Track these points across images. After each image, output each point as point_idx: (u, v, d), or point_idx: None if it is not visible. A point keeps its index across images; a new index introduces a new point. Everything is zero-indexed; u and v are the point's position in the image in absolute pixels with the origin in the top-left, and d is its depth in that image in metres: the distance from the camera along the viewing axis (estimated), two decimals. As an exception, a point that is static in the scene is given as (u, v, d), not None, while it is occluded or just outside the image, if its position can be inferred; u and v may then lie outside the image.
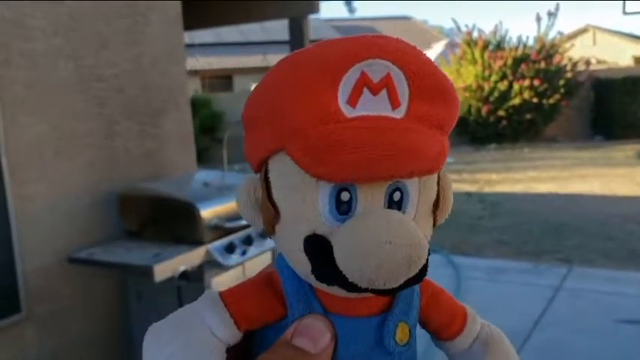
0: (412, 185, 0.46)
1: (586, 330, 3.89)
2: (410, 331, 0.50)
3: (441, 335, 0.55)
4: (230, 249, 2.61)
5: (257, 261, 2.79)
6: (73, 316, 2.74)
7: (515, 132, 16.27)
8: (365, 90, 0.44)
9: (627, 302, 4.37)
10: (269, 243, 2.82)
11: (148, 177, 3.01)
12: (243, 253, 2.67)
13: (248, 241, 2.70)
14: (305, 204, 0.44)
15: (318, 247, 0.44)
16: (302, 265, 0.45)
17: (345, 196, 0.44)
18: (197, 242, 2.56)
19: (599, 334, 3.81)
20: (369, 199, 0.44)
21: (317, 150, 0.42)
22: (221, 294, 0.49)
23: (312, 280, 0.46)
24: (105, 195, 2.82)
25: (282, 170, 0.46)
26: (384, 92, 0.45)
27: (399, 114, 0.45)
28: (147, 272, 2.37)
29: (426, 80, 0.46)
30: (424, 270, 0.45)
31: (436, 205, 0.50)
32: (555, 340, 3.75)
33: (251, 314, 0.48)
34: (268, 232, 0.48)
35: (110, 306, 2.91)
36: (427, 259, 0.45)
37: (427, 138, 0.45)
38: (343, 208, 0.44)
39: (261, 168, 0.48)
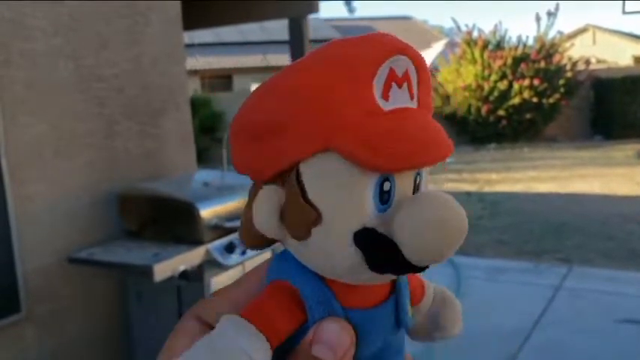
0: (425, 170, 0.49)
1: (586, 330, 3.89)
2: (410, 302, 0.54)
3: (411, 302, 0.57)
4: (230, 249, 2.61)
5: (257, 261, 2.79)
6: (73, 316, 2.75)
7: (515, 132, 16.27)
8: (393, 84, 0.47)
9: (627, 302, 4.37)
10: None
11: (148, 177, 3.01)
12: (243, 252, 2.67)
13: (248, 240, 2.70)
14: (352, 199, 0.45)
15: (372, 239, 0.45)
16: (347, 261, 0.46)
17: (387, 185, 0.45)
18: (197, 242, 2.56)
19: (599, 334, 3.81)
20: (403, 186, 0.46)
21: (373, 142, 0.44)
22: (246, 317, 0.47)
23: (356, 274, 0.46)
24: (105, 195, 2.82)
25: (326, 170, 0.46)
26: (405, 86, 0.48)
27: (414, 104, 0.49)
28: (147, 272, 2.37)
29: (425, 72, 0.50)
30: None
31: None
32: (555, 340, 3.75)
33: (280, 328, 0.47)
34: (301, 236, 0.47)
35: (110, 306, 2.91)
36: None
37: (436, 122, 0.48)
38: (384, 198, 0.45)
39: (283, 175, 0.48)
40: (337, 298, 0.48)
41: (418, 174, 0.48)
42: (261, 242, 0.52)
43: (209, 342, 0.46)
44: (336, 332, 0.46)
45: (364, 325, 0.49)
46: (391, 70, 0.47)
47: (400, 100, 0.47)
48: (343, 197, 0.45)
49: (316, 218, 0.46)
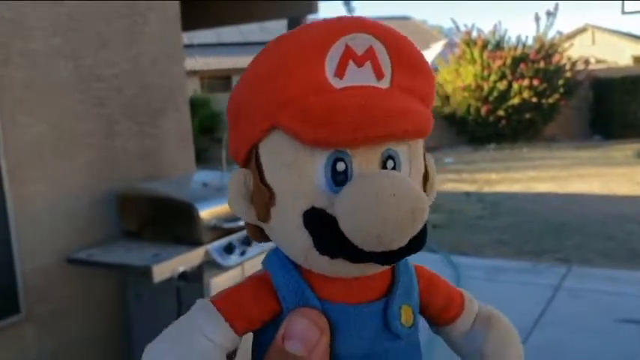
0: (403, 153, 0.47)
1: (586, 330, 3.89)
2: (413, 313, 0.51)
3: (441, 319, 0.55)
4: (229, 249, 2.61)
5: (256, 261, 2.79)
6: (73, 317, 2.74)
7: (515, 132, 16.27)
8: (350, 62, 0.46)
9: (627, 302, 4.37)
10: (268, 244, 2.81)
11: (147, 177, 3.01)
12: (242, 253, 2.67)
13: (247, 241, 2.70)
14: (301, 179, 0.45)
15: (319, 219, 0.44)
16: (300, 244, 0.46)
17: (340, 166, 0.44)
18: (196, 243, 2.55)
19: (599, 334, 3.81)
20: (364, 167, 0.45)
21: (313, 117, 0.43)
22: (213, 301, 0.48)
23: (312, 258, 0.46)
24: (104, 195, 2.82)
25: (275, 149, 0.46)
26: (368, 64, 0.47)
27: (383, 84, 0.47)
28: (146, 273, 2.37)
29: (405, 54, 0.48)
30: (425, 233, 0.46)
31: (425, 179, 0.51)
32: (555, 340, 3.75)
33: (246, 315, 0.48)
34: (263, 217, 0.48)
35: (109, 306, 2.91)
36: (426, 227, 0.46)
37: (414, 104, 0.47)
38: (340, 179, 0.45)
39: (250, 156, 0.49)
40: (313, 289, 0.48)
41: (390, 157, 0.46)
42: (256, 232, 0.52)
43: (174, 324, 0.48)
44: (304, 325, 0.46)
45: (342, 321, 0.48)
46: (347, 48, 0.46)
47: (360, 78, 0.46)
48: (292, 176, 0.45)
49: (270, 198, 0.47)
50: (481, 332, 0.55)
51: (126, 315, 2.90)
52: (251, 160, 0.49)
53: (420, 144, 0.50)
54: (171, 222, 2.65)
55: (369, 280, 0.48)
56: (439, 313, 0.55)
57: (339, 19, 0.47)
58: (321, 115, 0.43)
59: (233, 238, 2.67)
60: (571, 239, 6.37)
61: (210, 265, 2.60)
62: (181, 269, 2.45)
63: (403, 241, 0.43)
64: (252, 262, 2.76)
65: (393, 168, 0.46)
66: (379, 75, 0.47)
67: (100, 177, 2.83)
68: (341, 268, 0.45)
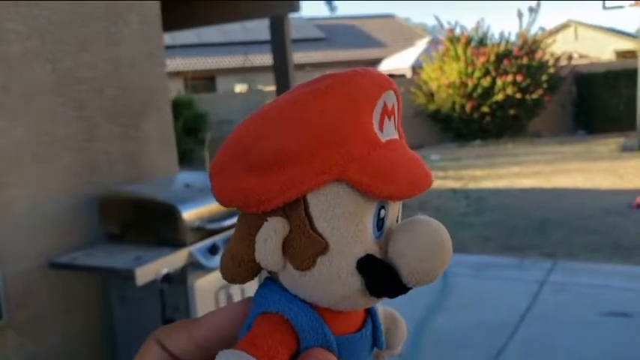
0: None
1: (572, 323, 3.92)
2: None
3: None
4: (213, 250, 2.60)
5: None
6: (56, 322, 2.72)
7: (499, 128, 16.35)
8: (386, 117, 0.50)
9: (612, 295, 4.40)
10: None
11: (129, 180, 2.99)
12: (227, 254, 2.66)
13: (231, 242, 2.68)
14: (358, 228, 0.47)
15: (375, 264, 0.47)
16: (346, 290, 0.47)
17: (382, 213, 0.48)
18: (179, 244, 2.54)
19: (585, 327, 3.83)
20: (393, 213, 0.50)
21: (381, 172, 0.46)
22: (245, 349, 0.47)
23: (351, 301, 0.48)
24: (86, 198, 2.79)
25: (333, 200, 0.47)
26: (393, 118, 0.51)
27: (397, 135, 0.52)
28: (129, 276, 2.35)
29: (400, 103, 0.53)
30: None
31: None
32: (541, 334, 3.77)
33: (279, 358, 0.48)
34: (306, 267, 0.47)
35: (93, 310, 2.89)
36: None
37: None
38: (380, 225, 0.48)
39: (291, 204, 0.47)
40: (328, 325, 0.50)
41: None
42: (247, 276, 0.52)
43: None
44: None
45: (352, 350, 0.51)
46: (385, 104, 0.50)
47: (390, 132, 0.50)
48: (349, 225, 0.47)
49: (324, 248, 0.47)
50: (391, 328, 0.60)
51: (110, 318, 2.88)
52: (293, 208, 0.47)
53: None
54: (154, 224, 2.63)
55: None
56: None
57: (375, 73, 0.51)
58: (386, 172, 0.47)
59: (217, 239, 2.65)
60: (556, 234, 6.41)
61: (194, 266, 2.58)
62: (165, 271, 2.43)
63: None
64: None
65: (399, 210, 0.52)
66: (396, 127, 0.52)
67: (82, 180, 2.80)
68: (367, 303, 0.50)
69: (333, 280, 0.47)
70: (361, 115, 0.48)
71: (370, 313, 0.53)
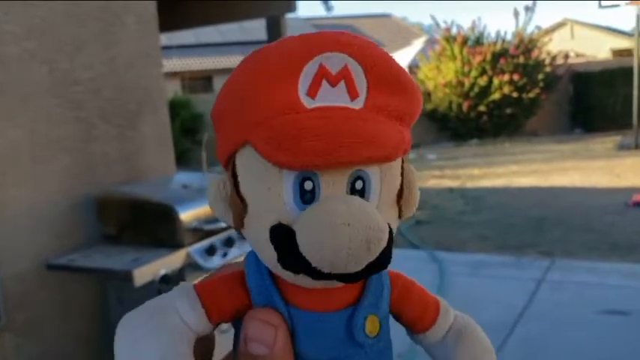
0: (374, 174, 0.47)
1: (569, 321, 3.92)
2: (380, 323, 0.51)
3: (414, 328, 0.56)
4: (211, 251, 2.59)
5: (239, 263, 2.77)
6: (54, 323, 2.71)
7: (496, 127, 16.38)
8: (324, 82, 0.46)
9: (610, 293, 4.41)
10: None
11: (127, 180, 2.99)
12: (224, 255, 2.66)
13: (229, 242, 2.68)
14: (270, 194, 0.46)
15: (282, 236, 0.45)
16: (269, 256, 0.47)
17: (308, 185, 0.45)
18: (177, 245, 2.53)
19: (583, 326, 3.84)
20: (331, 187, 0.45)
21: (278, 139, 0.44)
22: (194, 286, 0.50)
23: (278, 269, 0.47)
24: (83, 199, 2.79)
25: (248, 163, 0.47)
26: (342, 84, 0.46)
27: (357, 104, 0.47)
28: (127, 277, 2.35)
29: (383, 72, 0.48)
30: (387, 256, 0.46)
31: (400, 195, 0.51)
32: (539, 333, 3.77)
33: (221, 306, 0.50)
34: (237, 226, 0.50)
35: (91, 312, 2.88)
36: (390, 246, 0.46)
37: (386, 127, 0.46)
38: (307, 197, 0.45)
39: (229, 163, 0.50)
40: (282, 294, 0.49)
41: (359, 177, 0.46)
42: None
43: (153, 300, 0.50)
44: (257, 326, 0.48)
45: (307, 327, 0.49)
46: (321, 67, 0.46)
47: (333, 98, 0.46)
48: (262, 190, 0.46)
49: (242, 209, 0.48)
50: (452, 344, 0.56)
51: (107, 320, 2.88)
52: (229, 168, 0.50)
53: (394, 162, 0.49)
54: (152, 225, 2.62)
55: (337, 289, 0.49)
56: (413, 322, 0.56)
57: (316, 35, 0.47)
58: (286, 138, 0.43)
59: (214, 239, 2.65)
60: (553, 232, 6.41)
61: (191, 267, 2.58)
62: (162, 272, 2.43)
63: (358, 267, 0.44)
64: (235, 263, 2.74)
65: (362, 188, 0.47)
66: (353, 95, 0.47)
67: (79, 181, 2.80)
68: (304, 281, 0.46)
69: (257, 243, 0.48)
70: (278, 78, 0.45)
71: (359, 301, 0.50)
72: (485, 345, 0.57)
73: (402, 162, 0.51)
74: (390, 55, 0.49)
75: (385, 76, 0.48)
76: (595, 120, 16.17)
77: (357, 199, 0.45)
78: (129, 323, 0.49)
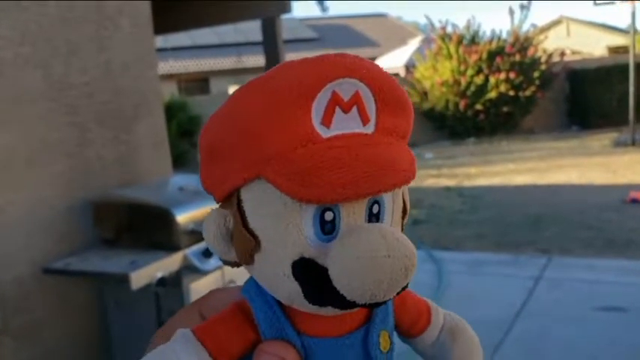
0: (387, 196, 0.47)
1: (567, 318, 3.93)
2: (389, 337, 0.51)
3: (410, 332, 0.56)
4: (207, 253, 2.60)
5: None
6: (51, 327, 2.71)
7: (493, 125, 16.36)
8: (337, 109, 0.45)
9: (607, 290, 4.42)
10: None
11: (123, 184, 2.99)
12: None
13: (225, 244, 2.68)
14: (288, 229, 0.44)
15: (309, 271, 0.44)
16: (287, 291, 0.45)
17: (328, 215, 0.44)
18: (174, 248, 2.54)
19: (580, 322, 3.85)
20: (352, 215, 0.45)
21: (301, 173, 0.42)
22: (194, 332, 0.48)
23: (300, 303, 0.45)
24: (79, 203, 2.79)
25: (260, 198, 0.45)
26: (354, 109, 0.46)
27: (369, 129, 0.46)
28: (124, 280, 2.35)
29: (389, 94, 0.47)
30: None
31: (404, 211, 0.51)
32: (537, 330, 3.78)
33: (228, 348, 0.48)
34: (245, 262, 0.48)
35: (88, 315, 2.88)
36: None
37: (398, 149, 0.46)
38: (327, 228, 0.44)
39: (230, 199, 0.48)
40: (293, 324, 0.48)
41: (376, 202, 0.46)
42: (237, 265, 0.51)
43: (156, 351, 0.47)
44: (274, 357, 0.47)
45: (323, 354, 0.48)
46: (334, 94, 0.45)
47: (346, 125, 0.45)
48: (279, 227, 0.44)
49: (254, 246, 0.46)
50: (446, 343, 0.57)
51: (105, 323, 2.88)
52: (231, 202, 0.47)
53: None
54: (148, 228, 2.63)
55: (350, 313, 0.48)
56: (409, 328, 0.56)
57: (325, 60, 0.45)
58: (307, 173, 0.42)
59: (211, 241, 2.65)
60: (550, 230, 6.42)
61: (188, 270, 2.59)
62: (159, 275, 2.44)
63: (394, 295, 0.44)
64: (231, 265, 2.74)
65: (378, 212, 0.46)
66: (365, 120, 0.46)
67: (75, 185, 2.80)
68: (327, 311, 0.45)
69: (276, 279, 0.46)
70: (290, 109, 0.44)
71: (369, 320, 0.50)
72: (475, 339, 0.59)
73: None
74: (391, 76, 0.48)
75: (391, 98, 0.48)
76: (591, 117, 16.16)
77: (387, 227, 0.44)
78: None
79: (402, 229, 0.51)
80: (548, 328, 3.78)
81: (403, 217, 0.51)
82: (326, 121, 0.45)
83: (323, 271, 0.43)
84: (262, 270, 0.47)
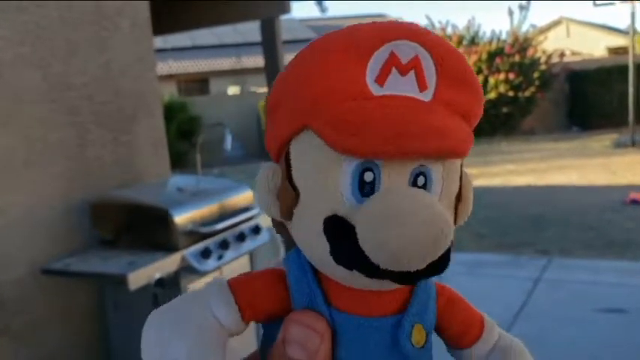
0: (436, 172, 0.46)
1: (567, 320, 3.93)
2: (426, 334, 0.49)
3: (457, 342, 0.54)
4: (206, 254, 2.59)
5: (234, 265, 2.77)
6: (50, 328, 2.71)
7: (493, 126, 16.36)
8: (393, 70, 0.44)
9: (607, 291, 4.41)
10: (246, 247, 2.80)
11: (122, 184, 2.98)
12: (220, 257, 2.66)
13: (224, 245, 2.68)
14: (327, 183, 0.44)
15: (338, 227, 0.43)
16: (319, 250, 0.44)
17: (368, 176, 0.43)
18: (172, 248, 2.53)
19: (580, 324, 3.84)
20: (393, 180, 0.43)
21: (345, 124, 0.42)
22: (228, 280, 0.48)
23: (329, 265, 0.44)
24: (78, 204, 2.78)
25: (305, 149, 0.45)
26: (412, 73, 0.45)
27: (426, 97, 0.45)
28: (122, 281, 2.34)
29: (453, 66, 0.46)
30: (447, 259, 0.44)
31: (458, 199, 0.50)
32: (537, 331, 3.77)
33: (256, 303, 0.47)
34: (285, 217, 0.47)
35: (87, 316, 2.88)
36: (450, 251, 0.44)
37: (454, 122, 0.45)
38: (366, 190, 0.43)
39: (282, 153, 0.48)
40: (326, 296, 0.47)
41: (421, 173, 0.45)
42: (283, 228, 0.51)
43: (188, 294, 0.48)
44: (303, 331, 0.46)
45: (349, 331, 0.47)
46: (392, 55, 0.44)
47: (402, 88, 0.45)
48: (318, 179, 0.44)
49: (293, 198, 0.46)
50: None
51: (104, 324, 2.87)
52: (282, 156, 0.48)
53: (456, 163, 0.48)
54: (147, 228, 2.62)
55: (384, 294, 0.47)
56: (456, 336, 0.54)
57: (387, 23, 0.45)
58: (353, 123, 0.42)
59: (209, 242, 2.65)
60: (550, 231, 6.42)
61: (187, 270, 2.58)
62: (158, 276, 2.43)
63: (421, 265, 0.42)
64: (230, 266, 2.75)
65: (424, 185, 0.45)
66: (422, 86, 0.45)
67: (74, 186, 2.80)
68: (356, 280, 0.44)
69: (307, 236, 0.46)
70: (345, 65, 0.43)
71: (406, 309, 0.48)
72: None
73: (461, 167, 0.50)
74: (461, 52, 0.47)
75: (455, 72, 0.46)
76: (592, 118, 16.18)
77: (421, 191, 0.43)
78: (157, 321, 0.46)
79: (455, 223, 0.50)
80: (547, 330, 3.78)
81: (457, 206, 0.50)
82: (380, 80, 0.44)
83: (352, 230, 0.42)
84: (299, 227, 0.46)
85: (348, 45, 0.44)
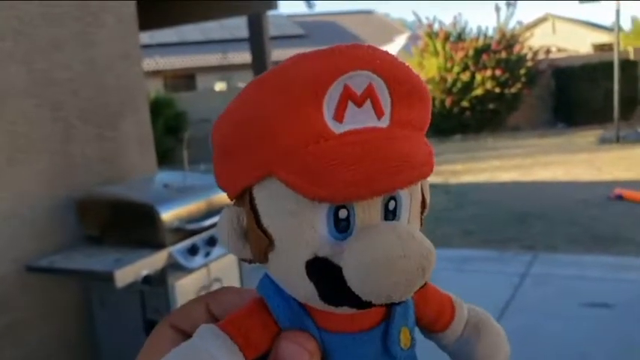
0: (404, 192, 0.46)
1: (553, 315, 3.95)
2: (410, 333, 0.50)
3: (433, 328, 0.55)
4: (193, 251, 2.58)
5: (221, 262, 2.76)
6: (35, 326, 2.69)
7: (479, 122, 16.43)
8: (350, 103, 0.43)
9: (592, 286, 4.45)
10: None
11: (107, 181, 2.96)
12: (207, 254, 2.65)
13: (211, 242, 2.67)
14: (302, 228, 0.43)
15: (323, 271, 0.43)
16: (303, 290, 0.44)
17: (343, 213, 0.43)
18: (159, 245, 2.51)
19: (567, 319, 3.87)
20: (367, 213, 0.43)
21: (313, 171, 0.41)
22: (221, 327, 0.46)
23: (314, 302, 0.45)
24: (63, 201, 2.76)
25: (272, 195, 0.44)
26: (368, 103, 0.44)
27: (384, 123, 0.44)
28: (108, 278, 2.33)
29: (404, 85, 0.45)
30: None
31: (423, 206, 0.50)
32: (523, 326, 3.79)
33: (256, 343, 0.47)
34: (259, 260, 0.47)
35: (73, 313, 2.86)
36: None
37: (414, 143, 0.45)
38: (342, 226, 0.43)
39: (243, 196, 0.46)
40: (312, 318, 0.47)
41: (392, 198, 0.45)
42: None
43: (184, 347, 0.46)
44: (293, 350, 0.46)
45: (342, 350, 0.47)
46: (346, 88, 0.43)
47: (360, 120, 0.44)
48: (292, 225, 0.43)
49: (268, 245, 0.45)
50: (471, 339, 0.55)
51: (90, 321, 2.86)
52: (244, 200, 0.46)
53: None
54: (133, 225, 2.60)
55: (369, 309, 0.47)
56: (431, 323, 0.54)
57: (335, 53, 0.44)
58: (318, 172, 0.41)
59: (197, 239, 2.64)
60: (536, 226, 6.46)
61: (174, 267, 2.57)
62: (144, 273, 2.42)
63: (411, 294, 0.42)
64: (217, 263, 2.74)
65: (395, 208, 0.45)
66: (379, 113, 0.44)
67: (59, 182, 2.77)
68: (344, 311, 0.44)
69: (291, 278, 0.45)
70: (300, 105, 0.42)
71: (390, 316, 0.49)
72: (501, 332, 0.57)
73: None
74: (407, 64, 0.47)
75: (406, 89, 0.46)
76: (577, 114, 16.27)
77: (402, 225, 0.43)
78: None
79: (422, 224, 0.50)
80: (534, 325, 3.80)
81: (422, 212, 0.50)
82: (338, 116, 0.43)
83: (337, 271, 0.42)
84: (277, 269, 0.46)
85: (302, 84, 0.43)
